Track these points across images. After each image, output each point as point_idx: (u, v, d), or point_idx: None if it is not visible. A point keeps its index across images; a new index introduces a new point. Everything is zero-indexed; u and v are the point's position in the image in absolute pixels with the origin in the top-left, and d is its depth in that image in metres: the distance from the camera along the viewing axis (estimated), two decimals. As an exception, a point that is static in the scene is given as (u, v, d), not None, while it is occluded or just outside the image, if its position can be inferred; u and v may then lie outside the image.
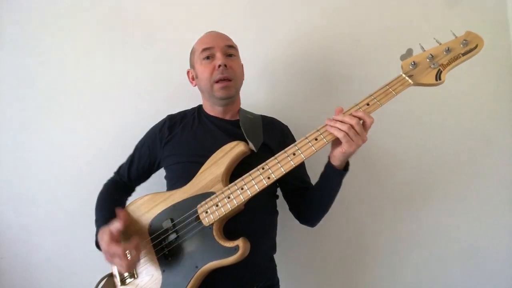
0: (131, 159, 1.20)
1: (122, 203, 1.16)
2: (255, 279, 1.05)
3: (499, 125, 1.48)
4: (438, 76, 0.93)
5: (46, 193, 1.44)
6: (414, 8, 1.49)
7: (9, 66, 1.48)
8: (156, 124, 1.22)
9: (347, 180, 1.01)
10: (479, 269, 1.45)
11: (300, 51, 1.49)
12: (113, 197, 1.16)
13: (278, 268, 1.15)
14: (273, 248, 1.14)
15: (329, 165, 1.00)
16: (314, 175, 1.11)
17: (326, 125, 0.94)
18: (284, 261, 1.20)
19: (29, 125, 1.47)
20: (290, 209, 1.20)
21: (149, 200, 1.07)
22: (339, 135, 0.90)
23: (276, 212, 1.17)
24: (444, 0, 1.48)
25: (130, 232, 1.05)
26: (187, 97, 1.42)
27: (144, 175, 1.22)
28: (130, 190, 1.23)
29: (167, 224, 1.00)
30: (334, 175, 1.00)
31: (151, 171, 1.21)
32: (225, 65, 1.09)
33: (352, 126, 0.90)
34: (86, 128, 1.47)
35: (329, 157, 1.00)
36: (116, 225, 0.95)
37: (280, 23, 1.50)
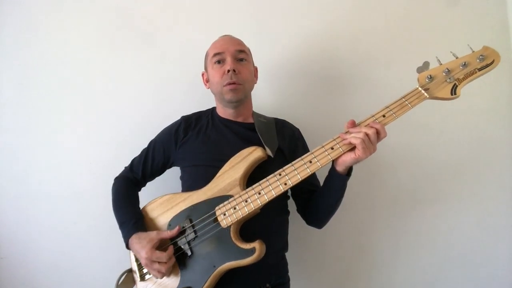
0: (145, 156, 1.23)
1: (137, 201, 1.21)
2: (267, 277, 1.10)
3: (499, 126, 1.48)
4: (453, 91, 0.96)
5: (46, 193, 1.44)
6: (418, 10, 1.51)
7: (9, 66, 1.47)
8: (172, 125, 1.25)
9: (353, 183, 1.05)
10: (479, 271, 1.47)
11: (309, 53, 1.50)
12: (130, 196, 1.20)
13: (289, 266, 1.20)
14: (284, 247, 1.18)
15: (333, 171, 1.04)
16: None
17: (339, 136, 0.98)
18: (295, 259, 1.24)
19: (29, 125, 1.46)
20: (298, 210, 1.24)
21: (168, 200, 1.11)
22: (356, 142, 0.93)
23: (288, 212, 1.21)
24: (445, 0, 1.49)
25: (150, 230, 1.10)
26: (188, 98, 1.47)
27: (157, 173, 1.26)
28: (141, 186, 1.27)
29: (186, 224, 1.05)
30: (337, 180, 1.04)
31: (165, 169, 1.26)
32: (234, 70, 1.13)
33: (368, 135, 0.93)
34: (86, 128, 1.48)
35: (333, 163, 1.03)
36: (160, 235, 1.04)
37: (288, 25, 1.51)
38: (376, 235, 1.49)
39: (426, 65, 1.00)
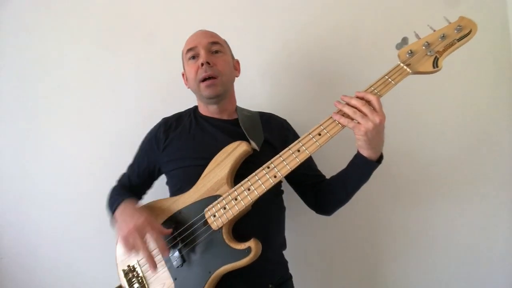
0: (132, 167, 1.19)
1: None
2: (268, 277, 1.04)
3: (499, 125, 1.47)
4: (435, 64, 0.94)
5: (46, 193, 1.43)
6: (416, 9, 1.48)
7: (9, 66, 1.47)
8: (152, 129, 1.19)
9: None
10: (478, 269, 1.46)
11: (303, 50, 1.47)
12: (127, 191, 1.13)
13: (289, 264, 1.15)
14: (283, 245, 1.13)
15: (358, 155, 0.98)
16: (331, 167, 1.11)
17: (331, 117, 0.93)
18: (295, 256, 1.19)
19: (29, 125, 1.46)
20: (303, 199, 1.18)
21: (152, 208, 1.04)
22: (344, 122, 0.90)
23: (284, 208, 1.16)
24: (444, 0, 1.45)
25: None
26: (187, 98, 1.38)
27: (146, 183, 1.20)
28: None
29: (174, 231, 0.98)
30: (362, 165, 0.97)
31: (153, 178, 1.20)
32: (208, 63, 1.07)
33: (358, 109, 0.88)
34: (86, 128, 1.46)
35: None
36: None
37: (283, 22, 1.48)
38: (376, 235, 1.47)
39: (405, 40, 0.98)
